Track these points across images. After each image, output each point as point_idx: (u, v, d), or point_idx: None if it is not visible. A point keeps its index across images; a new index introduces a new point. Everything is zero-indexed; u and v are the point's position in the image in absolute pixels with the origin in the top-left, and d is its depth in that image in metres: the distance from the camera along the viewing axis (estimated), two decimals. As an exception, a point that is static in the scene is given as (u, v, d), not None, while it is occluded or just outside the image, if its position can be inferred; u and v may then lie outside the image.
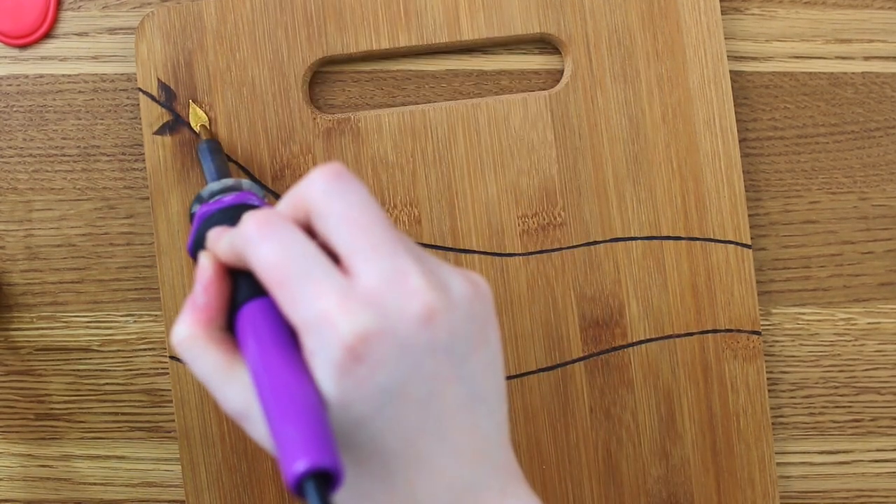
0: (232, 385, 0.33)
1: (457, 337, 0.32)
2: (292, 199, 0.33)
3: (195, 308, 0.35)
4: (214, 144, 0.47)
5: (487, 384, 0.33)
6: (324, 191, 0.32)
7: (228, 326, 0.35)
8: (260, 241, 0.32)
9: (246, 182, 0.44)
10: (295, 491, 0.28)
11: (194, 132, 0.49)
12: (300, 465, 0.28)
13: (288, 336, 0.32)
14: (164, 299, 0.50)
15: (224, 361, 0.33)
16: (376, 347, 0.30)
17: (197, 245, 0.39)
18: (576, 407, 0.50)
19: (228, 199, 0.41)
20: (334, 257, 0.33)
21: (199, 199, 0.43)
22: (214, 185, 0.43)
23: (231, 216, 0.39)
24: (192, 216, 0.43)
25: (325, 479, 0.28)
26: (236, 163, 0.50)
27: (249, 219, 0.33)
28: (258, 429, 0.32)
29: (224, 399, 0.33)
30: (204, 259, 0.36)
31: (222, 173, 0.46)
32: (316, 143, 0.50)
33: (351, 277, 0.31)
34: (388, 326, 0.30)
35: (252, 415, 0.32)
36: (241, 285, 0.35)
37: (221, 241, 0.35)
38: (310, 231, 0.33)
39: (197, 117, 0.49)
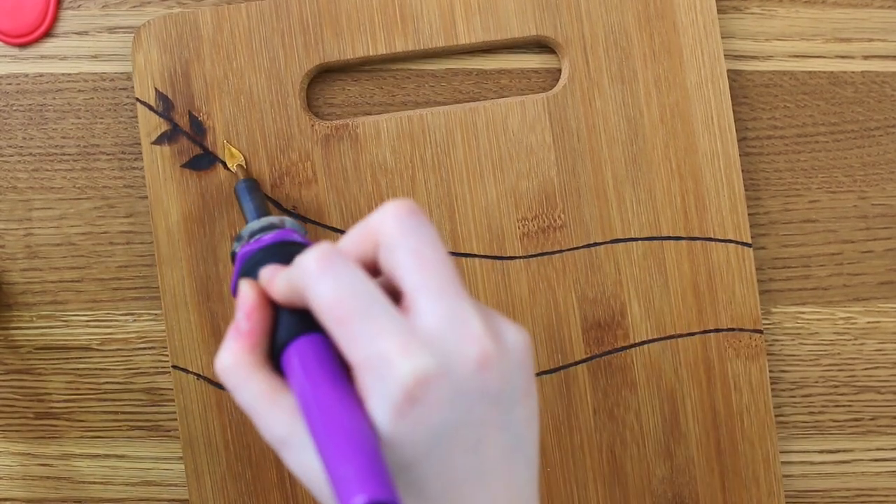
0: (276, 412, 0.33)
1: (507, 385, 0.32)
2: (361, 230, 0.33)
3: (239, 335, 0.34)
4: (252, 183, 0.47)
5: (528, 435, 0.33)
6: (397, 225, 0.32)
7: (270, 355, 0.35)
8: (320, 276, 0.32)
9: (289, 220, 0.43)
10: None
11: (229, 170, 0.49)
12: (359, 500, 0.27)
13: (340, 372, 0.32)
14: (165, 309, 0.49)
15: (268, 388, 0.33)
16: (434, 390, 0.30)
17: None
18: (579, 409, 0.50)
19: (269, 237, 0.41)
20: (394, 296, 0.33)
21: (240, 239, 0.43)
22: (254, 225, 0.43)
23: (273, 253, 0.39)
24: (233, 256, 0.43)
25: None
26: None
27: (310, 254, 0.32)
28: (298, 457, 0.32)
29: (266, 426, 0.33)
30: (246, 286, 0.36)
31: (261, 212, 0.45)
32: (314, 149, 0.50)
33: (411, 315, 0.31)
34: (445, 369, 0.30)
35: (294, 442, 0.32)
36: (289, 321, 0.34)
37: (278, 277, 0.35)
38: (372, 269, 0.33)
39: (233, 157, 0.49)
